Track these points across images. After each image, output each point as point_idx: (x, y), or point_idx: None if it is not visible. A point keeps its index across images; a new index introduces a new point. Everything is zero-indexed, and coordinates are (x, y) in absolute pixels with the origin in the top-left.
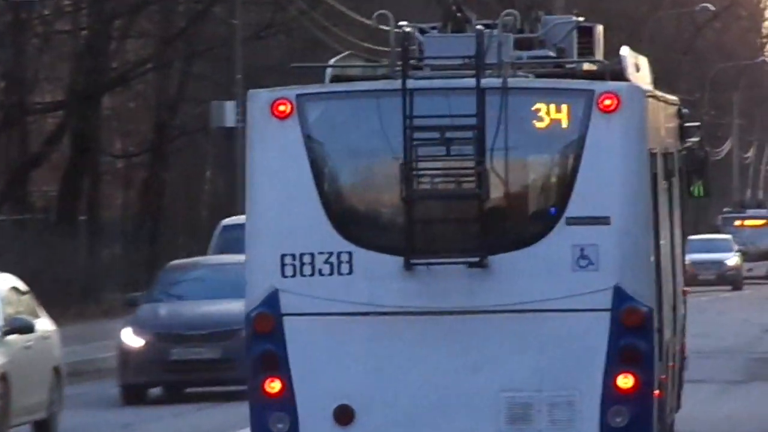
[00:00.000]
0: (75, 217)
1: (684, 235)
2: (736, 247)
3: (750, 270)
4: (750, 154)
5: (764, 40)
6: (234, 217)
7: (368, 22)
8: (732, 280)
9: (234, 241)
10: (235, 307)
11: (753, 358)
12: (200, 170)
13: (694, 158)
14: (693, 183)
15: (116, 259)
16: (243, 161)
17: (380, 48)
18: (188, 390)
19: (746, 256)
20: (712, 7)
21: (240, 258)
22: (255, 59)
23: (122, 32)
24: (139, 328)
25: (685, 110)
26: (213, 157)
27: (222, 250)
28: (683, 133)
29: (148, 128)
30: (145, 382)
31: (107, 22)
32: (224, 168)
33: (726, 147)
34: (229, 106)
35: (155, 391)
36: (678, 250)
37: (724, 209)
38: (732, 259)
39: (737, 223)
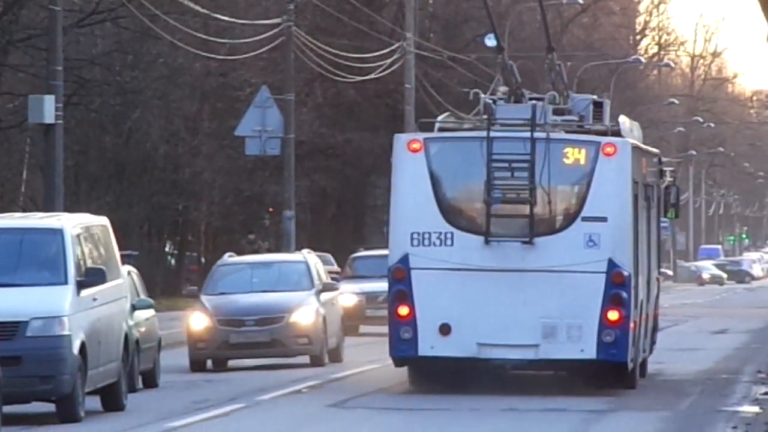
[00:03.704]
0: None
1: (660, 242)
2: None
3: None
4: None
5: (638, 38)
6: None
7: (202, 10)
8: None
9: None
10: None
11: None
12: (16, 170)
13: (668, 192)
14: (668, 209)
15: None
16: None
17: (212, 38)
18: None
19: None
20: (581, 1)
21: None
22: (78, 50)
23: None
24: None
25: (664, 159)
26: (30, 156)
27: None
28: (662, 173)
29: None
30: None
31: None
32: (42, 168)
33: None
34: (48, 101)
35: None
36: (654, 248)
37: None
38: None
39: None
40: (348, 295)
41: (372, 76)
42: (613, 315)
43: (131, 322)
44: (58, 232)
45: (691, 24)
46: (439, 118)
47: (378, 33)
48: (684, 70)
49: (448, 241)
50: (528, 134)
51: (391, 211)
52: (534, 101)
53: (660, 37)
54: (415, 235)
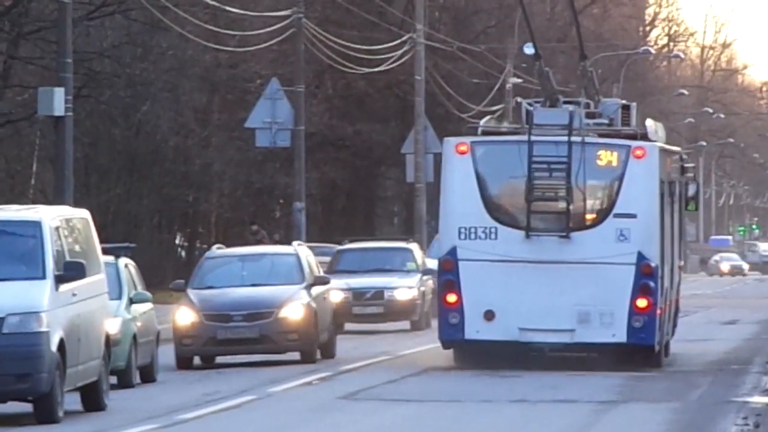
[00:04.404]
0: None
1: (683, 232)
2: None
3: None
4: None
5: (647, 29)
6: None
7: (211, 2)
8: None
9: None
10: None
11: None
12: (26, 163)
13: (689, 187)
14: (689, 202)
15: None
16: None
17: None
18: None
19: None
20: None
21: None
22: (87, 42)
23: None
24: None
25: (684, 156)
26: (40, 148)
27: None
28: (683, 170)
29: None
30: None
31: None
32: (52, 160)
33: None
34: (58, 93)
35: None
36: (676, 238)
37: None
38: None
39: None
40: (333, 291)
41: (382, 67)
42: (641, 303)
43: (129, 316)
44: (36, 225)
45: (701, 15)
46: (482, 122)
47: (388, 24)
48: (694, 61)
49: (493, 235)
50: (565, 138)
51: (441, 207)
52: (569, 106)
53: (670, 28)
54: (463, 230)
